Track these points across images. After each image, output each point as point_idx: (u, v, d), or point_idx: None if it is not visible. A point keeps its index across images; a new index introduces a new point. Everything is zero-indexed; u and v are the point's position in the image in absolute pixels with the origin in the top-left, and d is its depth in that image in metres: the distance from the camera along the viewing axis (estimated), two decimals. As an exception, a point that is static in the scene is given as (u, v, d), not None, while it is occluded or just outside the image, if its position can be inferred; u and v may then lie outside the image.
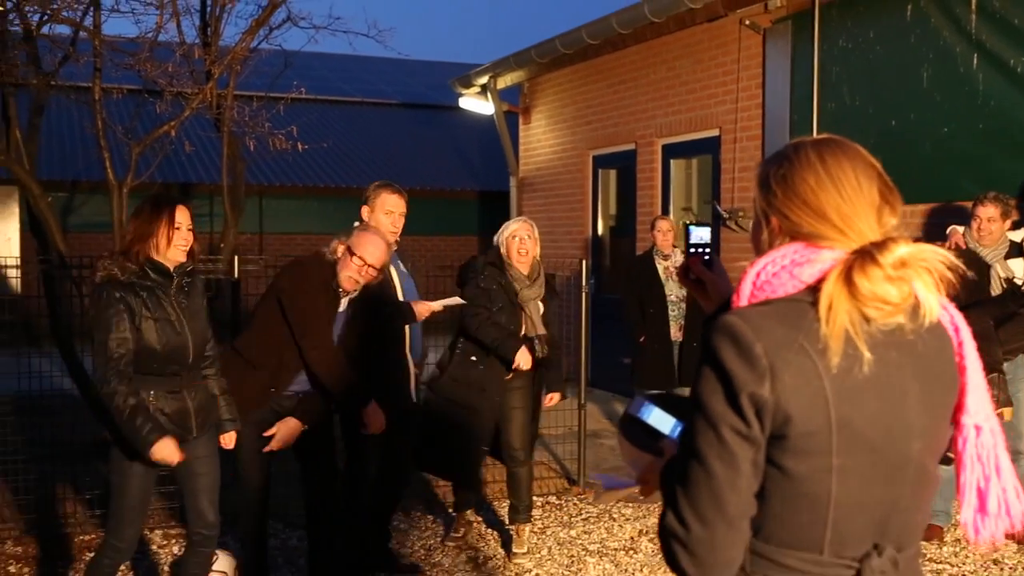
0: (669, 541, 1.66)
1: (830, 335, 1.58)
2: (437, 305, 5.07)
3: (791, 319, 1.61)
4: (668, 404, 1.99)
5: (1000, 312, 5.53)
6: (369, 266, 4.49)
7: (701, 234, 2.15)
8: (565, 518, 6.34)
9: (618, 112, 10.80)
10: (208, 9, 8.04)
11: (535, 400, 5.63)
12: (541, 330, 5.42)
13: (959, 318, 1.78)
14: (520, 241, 5.38)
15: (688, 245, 2.13)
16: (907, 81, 7.07)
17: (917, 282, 1.61)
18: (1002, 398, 5.36)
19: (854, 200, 1.68)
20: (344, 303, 4.61)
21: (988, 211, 5.66)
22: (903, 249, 1.59)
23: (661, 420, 1.98)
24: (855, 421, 1.60)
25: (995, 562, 5.53)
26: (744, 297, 1.69)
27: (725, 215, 8.79)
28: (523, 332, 5.36)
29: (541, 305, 5.47)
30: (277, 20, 7.98)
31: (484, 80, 12.53)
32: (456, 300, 5.20)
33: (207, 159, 16.13)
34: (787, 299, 1.64)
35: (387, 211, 5.05)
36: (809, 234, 1.69)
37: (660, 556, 1.97)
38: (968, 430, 1.75)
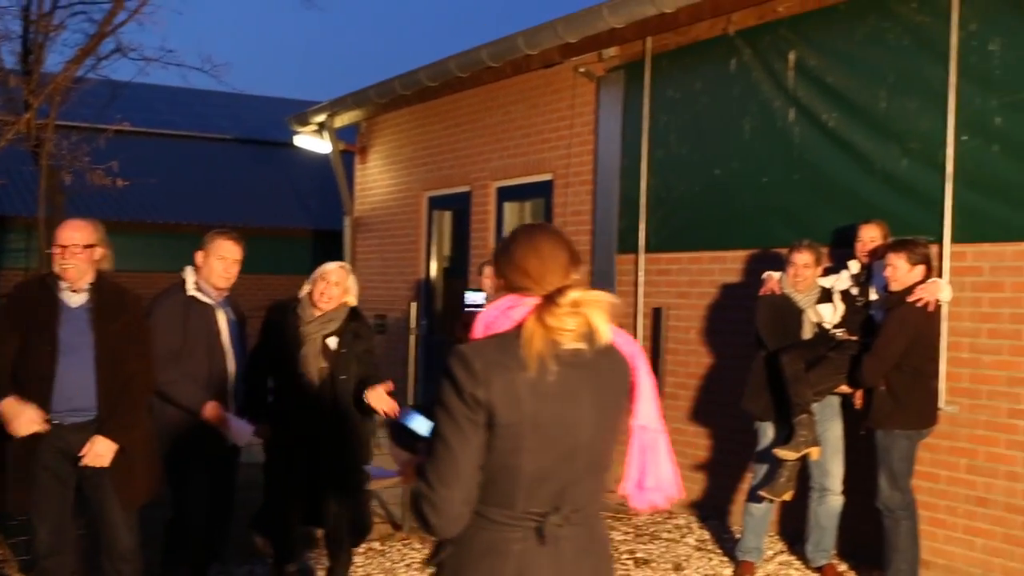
0: (419, 501, 2.31)
1: (528, 356, 2.30)
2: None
3: (502, 347, 2.34)
4: (427, 412, 2.50)
5: (811, 355, 5.74)
6: None
7: (475, 298, 2.74)
8: (388, 564, 6.17)
9: (454, 154, 10.83)
10: (30, 35, 7.64)
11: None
12: (321, 364, 5.06)
13: (635, 346, 2.52)
14: (326, 284, 5.09)
15: (464, 305, 2.65)
16: (730, 132, 7.33)
17: (594, 315, 2.34)
18: (810, 438, 5.54)
19: (547, 262, 2.41)
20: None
21: (804, 258, 5.88)
22: (575, 293, 2.33)
23: (420, 424, 2.54)
24: (540, 416, 2.30)
25: None
26: (478, 334, 2.43)
27: (556, 257, 8.87)
28: (300, 368, 5.03)
29: (332, 341, 5.10)
30: (105, 50, 7.67)
31: (321, 118, 12.38)
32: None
33: (25, 191, 15.34)
34: (503, 334, 2.38)
35: (220, 256, 4.91)
36: (519, 287, 2.43)
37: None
38: (636, 429, 2.50)
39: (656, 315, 7.85)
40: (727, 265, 7.36)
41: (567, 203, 9.00)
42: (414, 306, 6.97)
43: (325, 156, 13.09)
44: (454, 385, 2.30)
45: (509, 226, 10.21)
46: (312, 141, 13.07)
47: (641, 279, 8.06)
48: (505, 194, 10.16)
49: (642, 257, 8.05)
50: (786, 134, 6.90)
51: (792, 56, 6.87)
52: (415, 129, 11.64)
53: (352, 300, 5.21)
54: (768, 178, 7.02)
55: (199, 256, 4.93)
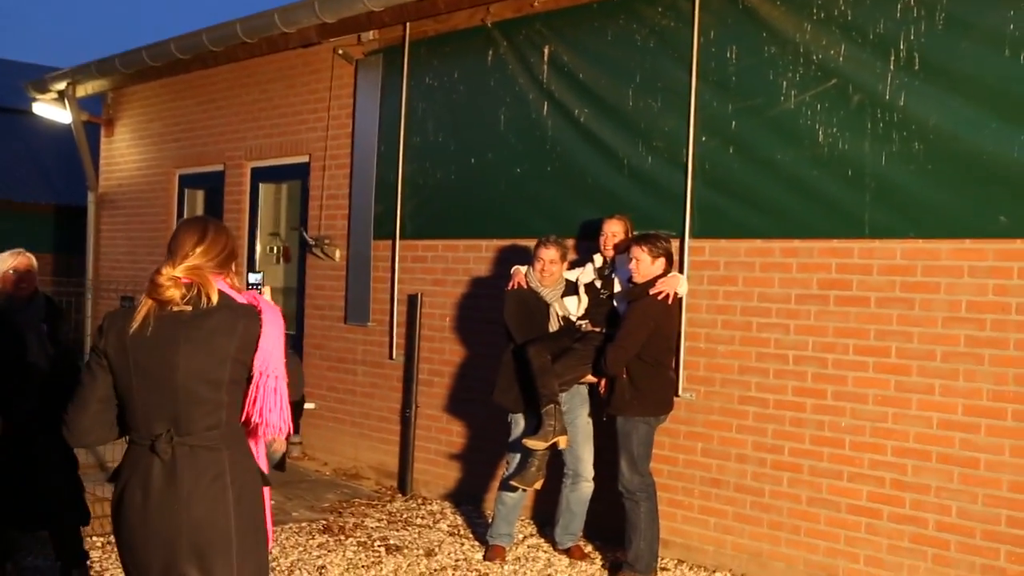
0: (62, 423, 3.06)
1: (135, 319, 2.96)
2: None
3: (126, 311, 3.02)
4: None
5: (557, 347, 5.86)
6: None
7: (255, 278, 3.42)
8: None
9: (207, 131, 10.35)
10: None
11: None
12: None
13: (267, 309, 3.07)
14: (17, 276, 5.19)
15: (248, 285, 3.33)
16: (486, 122, 7.34)
17: (203, 280, 3.00)
18: (558, 428, 5.65)
19: (173, 246, 3.07)
20: None
21: (550, 253, 5.97)
22: (171, 269, 2.99)
23: None
24: (141, 361, 2.96)
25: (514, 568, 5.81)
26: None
27: (311, 242, 8.67)
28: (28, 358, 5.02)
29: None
30: None
31: (61, 86, 11.54)
32: None
33: None
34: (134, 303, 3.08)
35: None
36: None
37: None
38: (258, 375, 3.01)
39: (412, 302, 7.80)
40: (482, 254, 7.38)
41: (324, 186, 8.79)
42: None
43: (68, 127, 12.22)
44: (92, 340, 3.15)
45: (264, 207, 9.90)
46: (52, 110, 12.17)
47: (397, 265, 7.98)
48: (260, 175, 9.80)
49: (398, 243, 7.98)
50: (540, 127, 6.98)
51: (547, 50, 6.95)
52: (166, 103, 11.05)
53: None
54: (522, 169, 7.09)
55: None
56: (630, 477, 5.59)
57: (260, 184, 9.84)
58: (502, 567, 5.95)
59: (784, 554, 5.72)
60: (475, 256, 7.44)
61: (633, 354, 5.54)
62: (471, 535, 6.60)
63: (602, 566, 6.06)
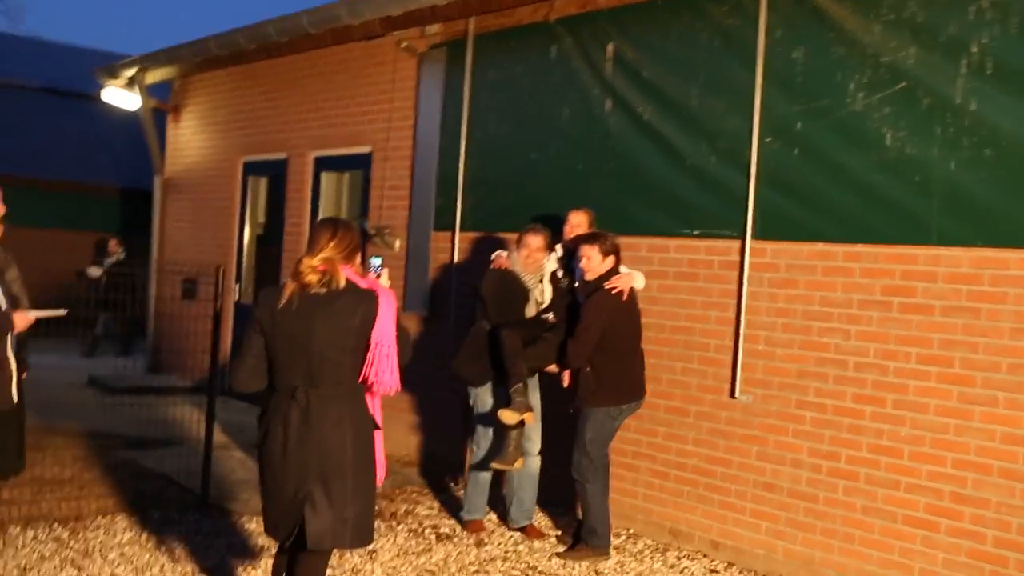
0: (229, 371, 4.05)
1: (283, 296, 3.83)
2: (34, 316, 5.08)
3: (277, 289, 3.90)
4: None
5: (530, 334, 6.08)
6: None
7: (376, 262, 4.25)
8: (183, 531, 5.96)
9: (272, 120, 10.45)
10: None
11: None
12: None
13: (383, 292, 3.93)
14: None
15: (370, 267, 4.19)
16: (548, 118, 7.31)
17: (334, 270, 3.86)
18: (526, 404, 5.93)
19: (311, 241, 3.94)
20: None
21: (537, 241, 6.17)
22: (310, 260, 3.84)
23: None
24: (287, 329, 3.83)
25: (596, 572, 5.79)
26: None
27: (372, 231, 8.70)
28: None
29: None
30: None
31: (131, 73, 11.70)
32: (57, 312, 5.14)
33: None
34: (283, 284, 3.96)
35: None
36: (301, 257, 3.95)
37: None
38: (374, 345, 3.87)
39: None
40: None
41: (385, 176, 8.82)
42: (222, 272, 6.65)
43: (136, 113, 12.39)
44: (251, 309, 4.00)
45: (326, 196, 9.97)
46: (122, 95, 12.34)
47: (455, 257, 7.99)
48: (323, 164, 9.88)
49: (457, 235, 7.98)
50: (602, 124, 6.93)
51: (611, 47, 6.89)
52: (232, 91, 11.17)
53: None
54: (583, 165, 7.05)
55: None
56: (578, 460, 5.87)
57: (322, 173, 9.90)
58: (550, 560, 5.93)
59: (836, 562, 5.63)
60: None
61: (591, 347, 5.76)
62: (553, 538, 6.59)
63: (557, 540, 6.32)
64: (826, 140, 5.72)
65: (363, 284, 3.93)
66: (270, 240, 10.71)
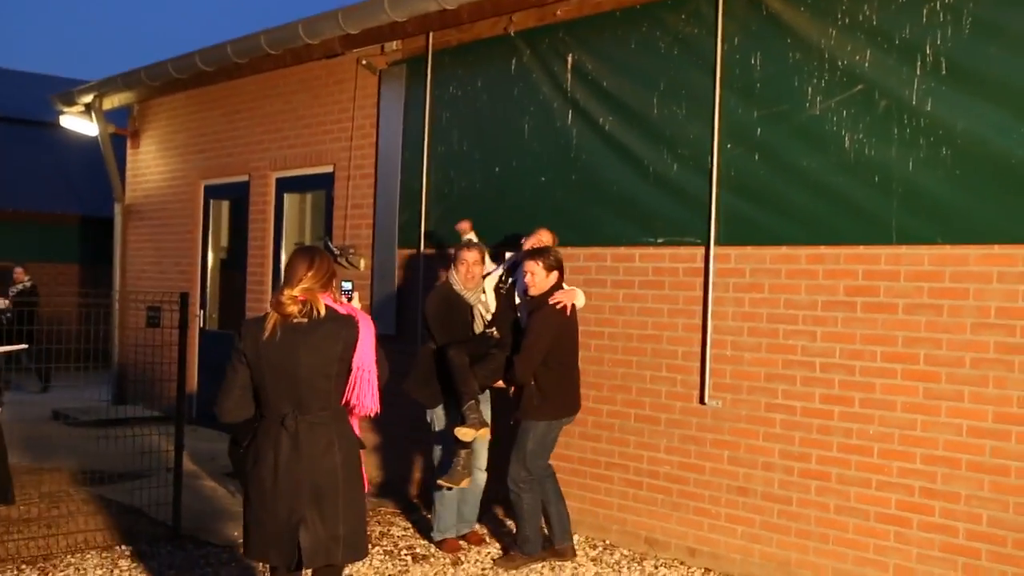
0: (215, 409, 4.03)
1: (266, 327, 3.92)
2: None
3: (259, 320, 3.98)
4: None
5: (476, 350, 6.14)
6: None
7: (347, 286, 4.44)
8: (155, 566, 5.89)
9: (232, 142, 10.41)
10: None
11: None
12: None
13: (362, 318, 4.05)
14: None
15: (341, 291, 4.28)
16: (510, 130, 7.34)
17: (314, 299, 3.95)
18: (480, 419, 6.02)
19: (290, 272, 4.00)
20: None
21: (473, 256, 6.25)
22: (290, 291, 3.93)
23: None
24: (272, 360, 3.92)
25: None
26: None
27: (336, 252, 8.68)
28: None
29: None
30: None
31: (88, 99, 11.63)
32: (20, 347, 5.23)
33: None
34: (262, 315, 4.03)
35: None
36: (280, 287, 4.02)
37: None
38: (356, 369, 4.01)
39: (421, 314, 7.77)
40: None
41: (348, 195, 8.81)
42: (187, 298, 6.61)
43: (94, 139, 12.30)
44: (233, 342, 4.00)
45: (289, 218, 9.94)
46: (79, 122, 12.26)
47: (422, 274, 7.99)
48: (285, 185, 9.85)
49: (422, 250, 7.98)
50: (564, 135, 6.97)
51: (570, 59, 6.94)
52: (191, 114, 11.12)
53: None
54: (546, 177, 7.07)
55: None
56: (516, 470, 5.95)
57: (285, 194, 9.87)
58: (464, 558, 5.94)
59: (812, 563, 5.67)
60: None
61: (538, 362, 5.84)
62: (497, 544, 6.58)
63: (499, 548, 6.44)
64: (786, 144, 5.80)
65: (342, 310, 4.06)
66: (234, 264, 10.65)
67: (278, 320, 3.93)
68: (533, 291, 5.95)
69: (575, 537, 6.44)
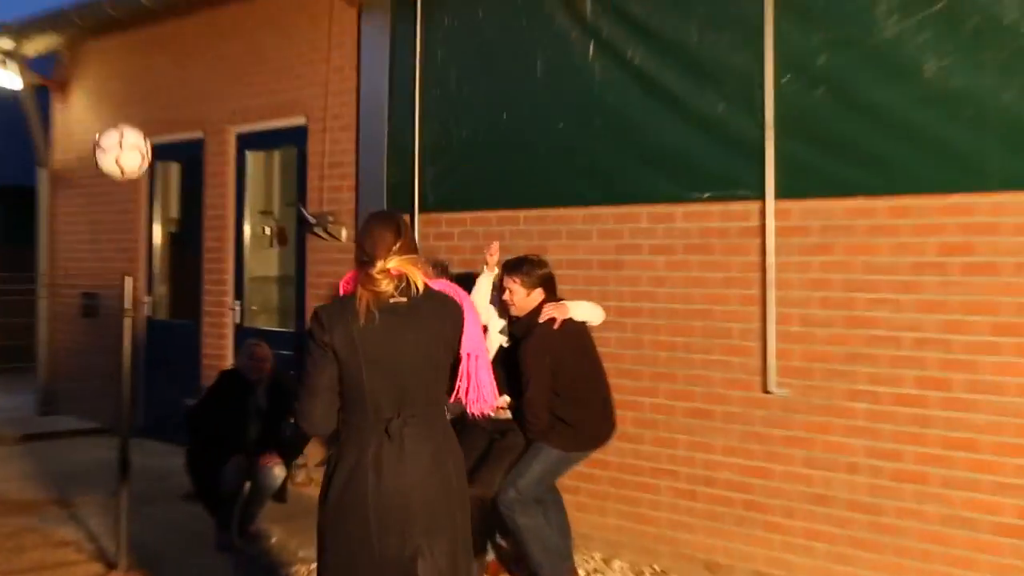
0: (296, 414, 3.80)
1: (358, 310, 3.69)
2: None
3: (343, 304, 3.75)
4: None
5: (474, 453, 5.95)
6: None
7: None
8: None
9: (183, 92, 10.34)
10: None
11: None
12: None
13: (463, 295, 3.94)
14: None
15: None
16: (519, 68, 7.26)
17: (411, 272, 3.74)
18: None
19: (375, 242, 3.78)
20: None
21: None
22: (383, 263, 3.72)
23: None
24: (370, 351, 3.68)
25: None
26: (341, 295, 3.88)
27: (312, 220, 8.57)
28: None
29: None
30: None
31: (8, 45, 11.52)
32: None
33: None
34: (347, 295, 3.80)
35: None
36: (362, 262, 3.79)
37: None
38: (466, 356, 3.90)
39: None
40: (519, 227, 7.30)
41: (325, 152, 8.73)
42: (130, 282, 6.49)
43: (13, 93, 12.18)
44: (312, 334, 3.73)
45: (253, 180, 9.89)
46: (-4, 74, 12.15)
47: (418, 244, 7.87)
48: (247, 141, 9.80)
49: (417, 217, 7.89)
50: (585, 72, 6.88)
51: (590, -21, 6.85)
52: (133, 61, 11.06)
53: None
54: (565, 124, 6.99)
55: None
56: (504, 490, 5.72)
57: (247, 152, 9.83)
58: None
59: (905, 578, 5.61)
60: (512, 230, 7.34)
61: (546, 400, 5.70)
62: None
63: None
64: (855, 75, 5.71)
65: (435, 285, 3.92)
66: (187, 239, 10.57)
67: (371, 301, 3.70)
68: (514, 311, 5.89)
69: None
